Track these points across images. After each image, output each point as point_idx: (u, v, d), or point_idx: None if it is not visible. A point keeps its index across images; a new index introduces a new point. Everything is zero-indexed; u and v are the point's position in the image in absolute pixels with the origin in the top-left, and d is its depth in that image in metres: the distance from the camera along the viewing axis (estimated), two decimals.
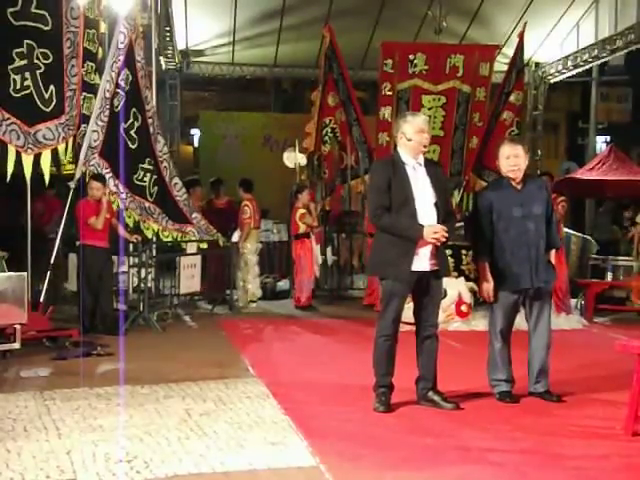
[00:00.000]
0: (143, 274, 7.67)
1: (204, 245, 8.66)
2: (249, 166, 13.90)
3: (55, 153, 6.98)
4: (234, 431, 3.87)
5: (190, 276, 8.54)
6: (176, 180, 8.21)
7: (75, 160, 7.31)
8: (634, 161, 14.74)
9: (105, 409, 4.27)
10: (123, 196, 7.35)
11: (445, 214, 4.40)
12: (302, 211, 9.18)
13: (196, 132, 17.43)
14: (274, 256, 11.81)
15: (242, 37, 12.12)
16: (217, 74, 13.45)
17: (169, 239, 7.94)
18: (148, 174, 7.78)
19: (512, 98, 9.44)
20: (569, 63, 12.54)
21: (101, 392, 4.64)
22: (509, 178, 4.68)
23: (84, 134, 7.19)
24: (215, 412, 4.26)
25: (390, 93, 9.50)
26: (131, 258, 8.02)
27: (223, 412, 4.27)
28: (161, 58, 11.77)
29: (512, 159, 4.66)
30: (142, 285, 7.66)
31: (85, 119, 7.29)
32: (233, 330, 7.39)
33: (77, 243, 7.28)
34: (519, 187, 4.68)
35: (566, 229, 9.15)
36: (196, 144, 17.70)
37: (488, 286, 4.62)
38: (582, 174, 12.97)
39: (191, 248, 8.74)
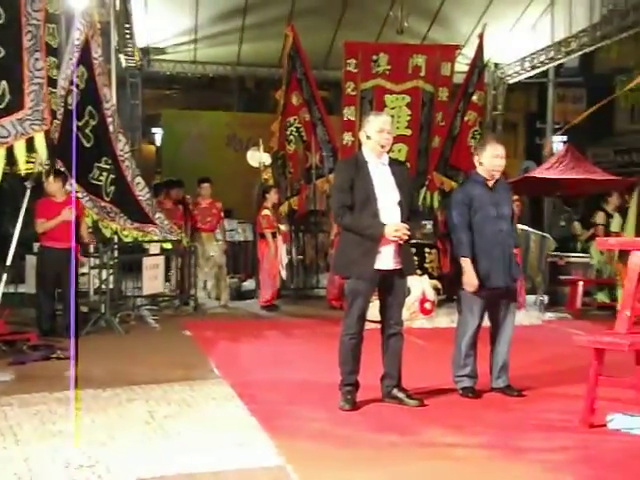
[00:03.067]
0: (104, 275, 7.58)
1: (168, 245, 8.59)
2: (213, 165, 13.82)
3: (10, 150, 6.83)
4: (199, 433, 3.86)
5: (153, 277, 8.46)
6: (138, 179, 8.11)
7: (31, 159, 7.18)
8: (590, 160, 15.09)
9: (65, 414, 4.19)
10: (79, 195, 7.25)
11: (410, 213, 4.45)
12: (265, 212, 9.19)
13: (158, 131, 17.26)
14: (239, 256, 11.78)
15: (204, 35, 12.04)
16: (179, 72, 13.34)
17: (129, 239, 7.85)
18: (105, 173, 7.68)
19: (474, 98, 9.56)
20: (527, 64, 12.75)
21: (61, 396, 4.56)
22: (486, 177, 4.74)
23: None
24: (180, 414, 4.23)
25: (354, 93, 9.54)
26: (92, 259, 7.92)
27: (188, 414, 4.24)
28: (121, 56, 11.62)
29: (499, 159, 4.73)
30: (103, 286, 7.57)
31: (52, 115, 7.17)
32: (198, 331, 7.34)
33: (36, 244, 7.16)
34: (492, 187, 4.76)
35: (525, 227, 9.32)
36: (158, 143, 17.54)
37: (472, 278, 4.61)
38: (540, 173, 13.23)
39: (154, 249, 8.67)
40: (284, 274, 9.69)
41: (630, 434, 3.89)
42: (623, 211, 9.52)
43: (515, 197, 8.29)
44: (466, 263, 4.63)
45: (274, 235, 9.24)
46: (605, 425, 4.02)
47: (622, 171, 15.56)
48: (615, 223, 9.54)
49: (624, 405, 4.09)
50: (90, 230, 7.51)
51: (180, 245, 8.87)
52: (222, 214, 9.76)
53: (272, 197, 9.32)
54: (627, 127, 19.54)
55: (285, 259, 9.66)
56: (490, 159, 4.73)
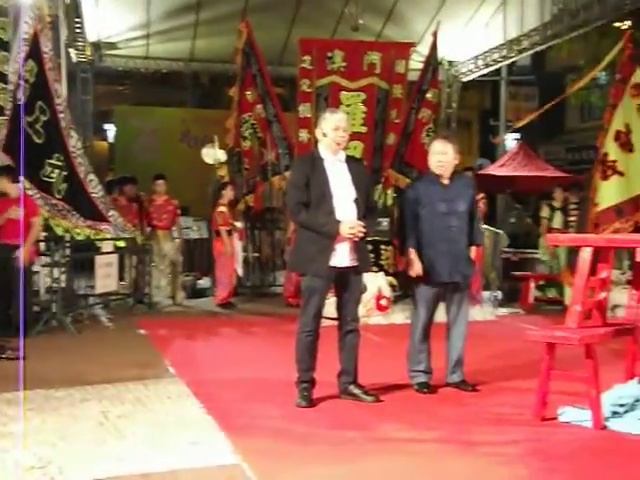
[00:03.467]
0: (56, 274, 7.43)
1: (121, 243, 8.46)
2: (167, 162, 13.67)
3: None
4: (154, 432, 3.81)
5: (106, 275, 8.32)
6: (91, 176, 7.98)
7: None
8: (542, 158, 15.40)
9: (16, 415, 4.10)
10: (30, 192, 7.10)
11: (366, 210, 4.46)
12: (221, 209, 9.13)
13: (110, 127, 16.99)
14: (194, 254, 11.68)
15: (157, 30, 11.86)
16: (131, 68, 13.14)
17: (81, 237, 7.71)
18: (57, 170, 7.53)
19: (429, 96, 9.62)
20: (480, 62, 12.91)
21: (11, 397, 4.45)
22: (436, 174, 4.81)
23: None
24: (134, 414, 4.17)
25: (309, 90, 9.52)
26: (43, 257, 7.75)
27: (142, 413, 4.19)
28: (71, 50, 11.40)
29: (439, 156, 4.79)
30: (55, 285, 7.42)
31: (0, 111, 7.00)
32: (152, 330, 7.26)
33: None
34: (446, 183, 4.81)
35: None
36: (111, 140, 17.27)
37: (417, 266, 4.68)
38: (493, 170, 13.47)
39: (107, 247, 8.52)
40: (240, 271, 9.65)
41: (580, 426, 3.98)
42: (565, 208, 9.72)
43: (481, 195, 8.41)
44: (410, 253, 4.72)
45: (230, 232, 9.19)
46: (556, 418, 4.10)
47: (573, 168, 15.96)
48: (557, 220, 9.72)
49: (575, 398, 4.18)
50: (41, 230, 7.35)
51: (134, 243, 8.75)
52: (178, 211, 9.67)
53: (228, 194, 9.28)
54: (578, 125, 20.02)
55: (241, 256, 9.62)
56: (432, 156, 4.82)
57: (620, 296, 6.83)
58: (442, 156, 4.79)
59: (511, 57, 12.22)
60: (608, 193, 8.09)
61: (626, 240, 5.02)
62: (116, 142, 16.30)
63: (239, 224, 9.53)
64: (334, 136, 4.42)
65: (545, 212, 9.96)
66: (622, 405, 4.11)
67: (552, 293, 9.68)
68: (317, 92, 9.51)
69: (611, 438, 3.83)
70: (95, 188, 7.98)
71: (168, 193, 9.57)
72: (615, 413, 4.06)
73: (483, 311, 8.52)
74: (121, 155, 15.43)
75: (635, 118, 8.14)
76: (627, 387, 4.35)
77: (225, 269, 9.16)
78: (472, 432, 3.91)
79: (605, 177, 8.11)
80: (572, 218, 9.42)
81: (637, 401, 4.15)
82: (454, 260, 4.73)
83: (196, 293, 10.14)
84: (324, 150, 4.47)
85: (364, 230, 4.35)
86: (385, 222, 9.56)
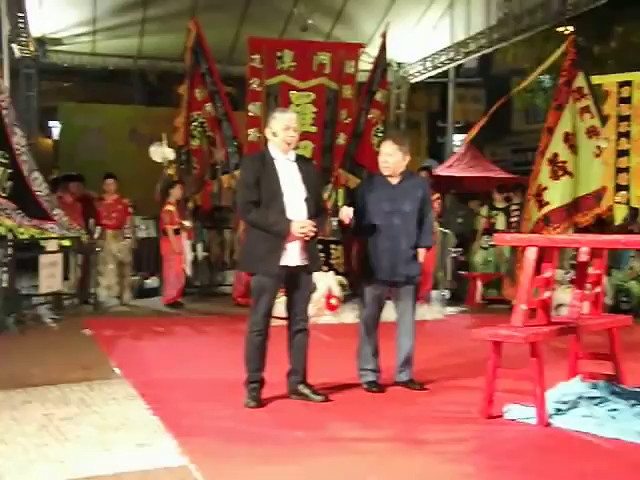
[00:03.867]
0: None
1: (67, 243, 8.26)
2: (114, 160, 13.42)
3: None
4: (99, 435, 3.73)
5: (51, 275, 8.12)
6: (36, 174, 7.79)
7: None
8: (488, 158, 15.69)
9: None
10: None
11: (316, 210, 4.47)
12: (168, 208, 9.03)
13: (55, 124, 16.61)
14: (142, 253, 11.50)
15: (103, 27, 11.67)
16: (77, 64, 12.88)
17: (26, 236, 7.51)
18: (1, 168, 7.33)
19: (378, 96, 9.70)
20: (428, 64, 13.08)
21: None
22: (382, 174, 4.86)
23: None
24: (78, 416, 4.08)
25: (259, 89, 9.49)
26: None
27: (87, 416, 4.10)
28: (14, 45, 11.11)
29: (385, 157, 4.84)
30: None
31: None
32: (98, 330, 7.11)
33: None
34: (394, 183, 4.85)
35: None
36: (56, 137, 16.88)
37: (346, 209, 4.83)
38: (441, 171, 13.65)
39: (51, 246, 8.32)
40: (189, 271, 9.55)
41: (526, 423, 4.06)
42: (508, 209, 9.88)
43: (436, 195, 8.48)
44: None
45: (177, 231, 9.09)
46: (502, 416, 4.17)
47: (518, 169, 16.29)
48: (500, 221, 9.85)
49: (520, 396, 4.25)
50: None
51: (80, 242, 8.57)
52: (130, 210, 9.50)
53: (176, 193, 9.18)
54: (523, 127, 20.48)
55: (190, 256, 9.52)
56: (380, 156, 4.91)
57: (564, 295, 7.00)
58: (388, 157, 4.84)
59: (458, 59, 12.42)
60: (558, 193, 8.30)
61: (569, 240, 5.15)
62: (61, 139, 15.96)
63: (188, 223, 9.44)
64: (284, 136, 4.41)
65: (483, 211, 10.10)
66: (565, 402, 4.21)
67: (497, 293, 9.82)
68: (267, 91, 9.49)
69: (555, 435, 3.91)
70: (40, 186, 7.80)
71: (119, 192, 9.42)
72: (559, 410, 4.15)
73: (431, 310, 8.62)
74: (66, 153, 15.11)
75: (578, 121, 8.37)
76: (570, 385, 4.47)
77: (173, 268, 9.06)
78: (420, 431, 3.95)
79: (556, 177, 8.31)
80: (514, 219, 9.56)
81: (580, 398, 4.26)
82: (395, 259, 4.75)
83: (143, 293, 10.00)
84: (274, 149, 4.46)
85: (315, 229, 4.35)
86: (335, 222, 9.59)
